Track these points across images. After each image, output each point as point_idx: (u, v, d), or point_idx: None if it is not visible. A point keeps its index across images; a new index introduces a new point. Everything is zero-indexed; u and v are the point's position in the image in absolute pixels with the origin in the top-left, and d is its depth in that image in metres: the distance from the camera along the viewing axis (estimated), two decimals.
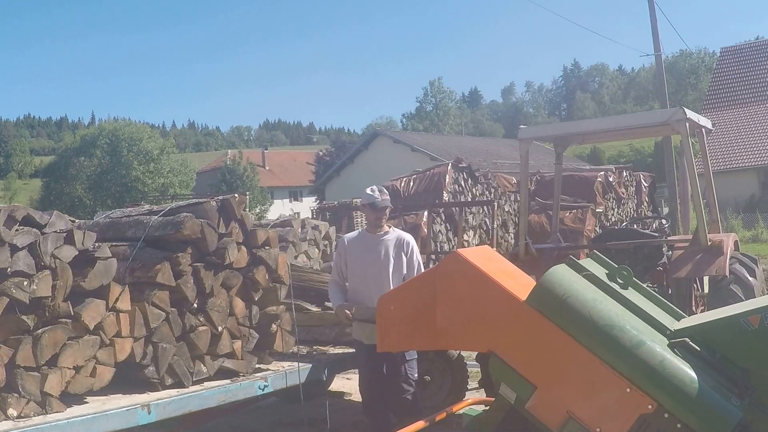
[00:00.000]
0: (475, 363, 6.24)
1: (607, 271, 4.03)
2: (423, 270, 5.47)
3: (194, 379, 4.70)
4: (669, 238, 7.29)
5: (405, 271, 5.46)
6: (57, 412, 3.85)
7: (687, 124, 6.32)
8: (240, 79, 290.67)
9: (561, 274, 3.73)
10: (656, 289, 6.07)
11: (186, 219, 4.71)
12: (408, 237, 5.58)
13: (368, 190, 5.54)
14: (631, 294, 3.88)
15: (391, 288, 5.19)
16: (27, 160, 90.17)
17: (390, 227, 5.61)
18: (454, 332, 4.00)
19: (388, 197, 5.57)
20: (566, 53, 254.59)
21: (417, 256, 5.54)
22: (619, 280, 3.95)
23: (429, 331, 4.05)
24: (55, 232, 3.99)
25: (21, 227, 3.88)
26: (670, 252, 6.64)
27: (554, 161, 8.06)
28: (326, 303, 6.28)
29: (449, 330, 4.00)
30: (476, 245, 12.49)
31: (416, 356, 5.45)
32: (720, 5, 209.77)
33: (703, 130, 6.88)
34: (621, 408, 3.38)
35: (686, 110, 6.33)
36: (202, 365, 4.78)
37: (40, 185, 53.33)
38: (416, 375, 5.44)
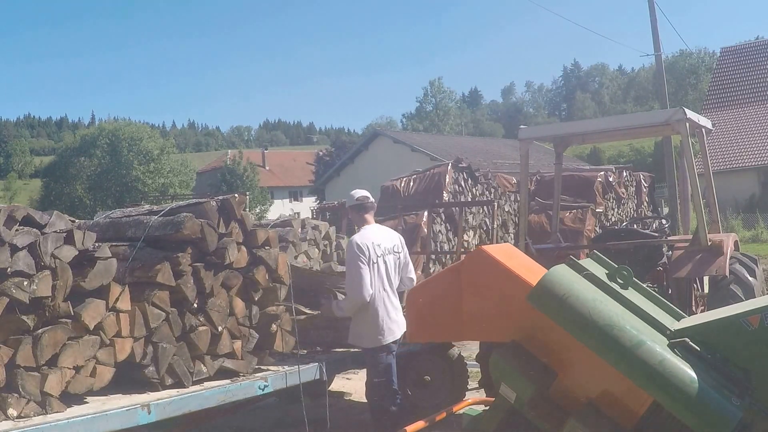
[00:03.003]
0: (475, 363, 6.24)
1: (607, 271, 4.04)
2: (347, 270, 5.49)
3: (194, 379, 4.70)
4: (669, 238, 7.29)
5: None
6: (57, 412, 3.85)
7: (687, 124, 6.32)
8: (240, 79, 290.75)
9: (561, 274, 3.75)
10: (656, 289, 6.07)
11: (186, 219, 4.70)
12: (349, 240, 5.62)
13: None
14: (631, 294, 3.90)
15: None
16: (27, 160, 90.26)
17: (359, 229, 5.68)
18: (479, 324, 4.19)
19: (354, 198, 5.65)
20: (566, 53, 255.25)
21: (346, 256, 5.54)
22: (619, 280, 3.96)
23: (455, 323, 4.25)
24: (55, 232, 3.99)
25: (21, 227, 3.88)
26: (670, 252, 6.63)
27: (554, 161, 8.06)
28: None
29: (474, 321, 4.18)
30: (476, 245, 12.48)
31: (382, 362, 5.39)
32: (720, 5, 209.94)
33: (703, 130, 6.88)
34: (636, 393, 3.43)
35: (686, 110, 6.33)
36: (202, 365, 4.77)
37: (40, 185, 53.35)
38: (382, 379, 5.41)
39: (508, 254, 4.34)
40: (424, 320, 4.46)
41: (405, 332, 5.34)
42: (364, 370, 5.70)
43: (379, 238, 5.49)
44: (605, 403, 3.56)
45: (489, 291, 4.12)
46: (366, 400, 5.66)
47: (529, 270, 4.21)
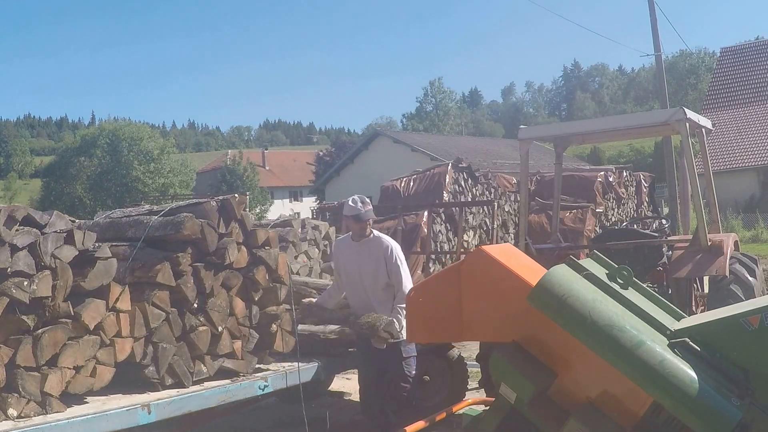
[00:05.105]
0: (475, 363, 6.24)
1: (607, 271, 4.04)
2: (404, 272, 5.47)
3: (194, 379, 4.70)
4: (669, 238, 7.29)
5: (388, 278, 5.46)
6: (57, 412, 3.85)
7: (687, 124, 6.32)
8: (240, 79, 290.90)
9: (561, 274, 3.74)
10: (656, 289, 6.07)
11: (186, 219, 4.70)
12: (388, 241, 5.55)
13: (350, 202, 5.54)
14: (631, 294, 3.89)
15: (376, 294, 5.41)
16: (27, 160, 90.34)
17: (371, 232, 5.60)
18: (479, 324, 4.14)
19: (371, 207, 5.58)
20: (566, 53, 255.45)
21: (398, 259, 5.48)
22: (619, 280, 3.96)
23: (455, 324, 4.20)
24: (55, 232, 3.99)
25: (21, 227, 3.87)
26: (670, 252, 6.63)
27: (554, 161, 8.06)
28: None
29: (474, 322, 4.13)
30: (476, 245, 12.48)
31: (415, 353, 5.45)
32: (720, 5, 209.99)
33: (703, 130, 6.88)
34: (636, 394, 3.43)
35: (686, 110, 6.33)
36: (202, 365, 4.77)
37: (40, 185, 53.34)
38: (413, 372, 5.43)
39: (509, 254, 4.31)
40: (424, 320, 4.41)
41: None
42: None
43: None
44: (605, 404, 3.56)
45: (489, 291, 4.08)
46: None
47: (530, 270, 4.19)
